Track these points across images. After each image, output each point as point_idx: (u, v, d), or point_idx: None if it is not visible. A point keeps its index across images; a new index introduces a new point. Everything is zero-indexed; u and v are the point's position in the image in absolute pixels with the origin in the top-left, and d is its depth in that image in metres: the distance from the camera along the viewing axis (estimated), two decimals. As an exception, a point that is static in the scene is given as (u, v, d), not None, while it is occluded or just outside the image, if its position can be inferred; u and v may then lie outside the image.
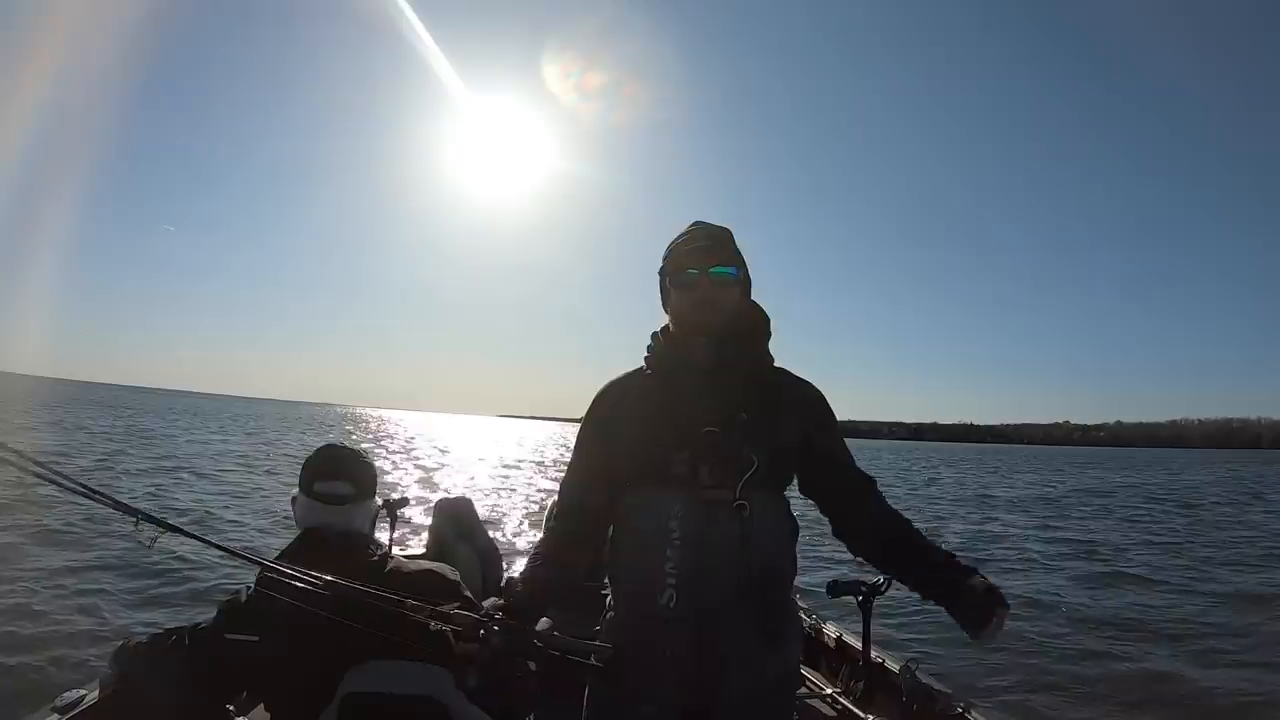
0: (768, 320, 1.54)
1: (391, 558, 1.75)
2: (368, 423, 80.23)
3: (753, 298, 1.55)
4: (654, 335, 1.53)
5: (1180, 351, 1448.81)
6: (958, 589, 1.38)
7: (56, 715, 1.80)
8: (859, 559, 1.57)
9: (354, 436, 42.37)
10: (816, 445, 1.49)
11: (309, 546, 1.66)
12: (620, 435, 1.47)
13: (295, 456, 21.72)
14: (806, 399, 1.52)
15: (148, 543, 1.38)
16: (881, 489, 1.54)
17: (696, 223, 1.53)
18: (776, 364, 1.54)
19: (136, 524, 1.40)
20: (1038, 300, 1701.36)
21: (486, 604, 1.43)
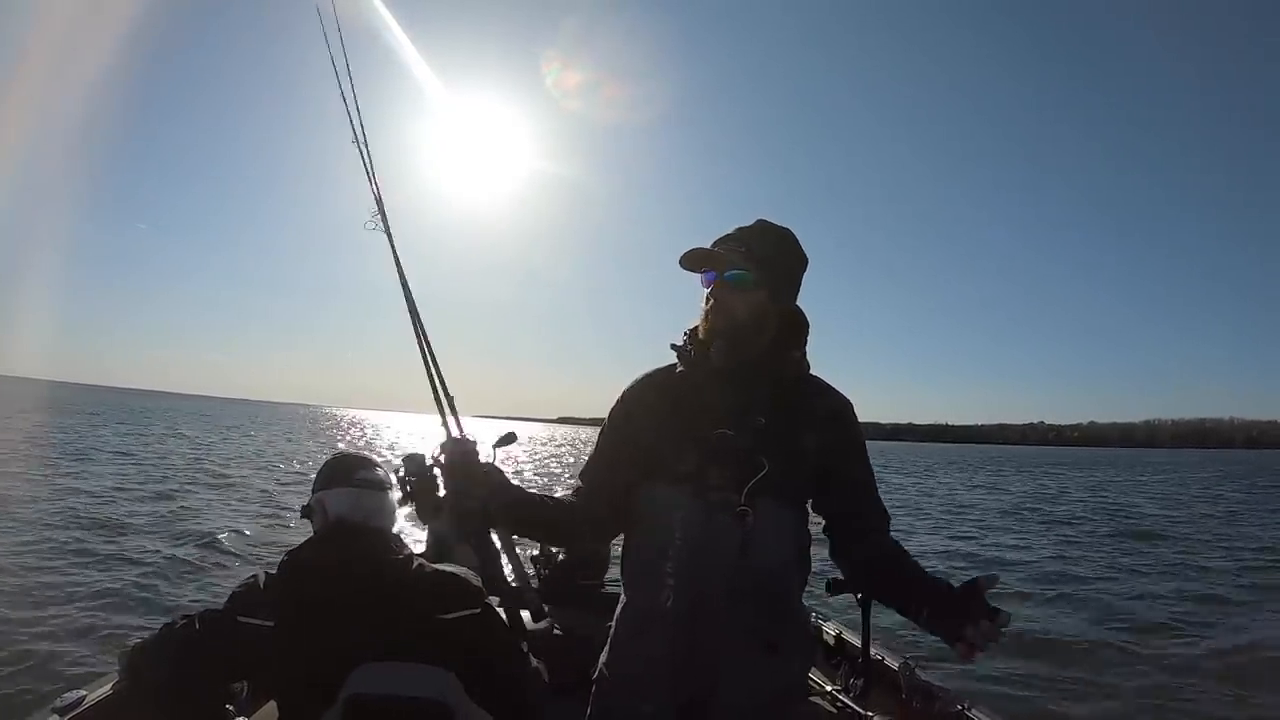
0: (805, 326, 1.51)
1: (416, 557, 1.74)
2: (320, 422, 75.08)
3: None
4: (686, 333, 1.52)
5: (1156, 351, 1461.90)
6: (937, 596, 1.28)
7: (56, 716, 1.77)
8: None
9: (288, 439, 37.90)
10: (835, 467, 1.45)
11: (337, 539, 1.65)
12: (637, 429, 1.49)
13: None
14: (832, 413, 1.48)
15: None
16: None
17: (758, 221, 1.49)
18: (812, 370, 1.52)
19: None
20: (1016, 299, 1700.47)
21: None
